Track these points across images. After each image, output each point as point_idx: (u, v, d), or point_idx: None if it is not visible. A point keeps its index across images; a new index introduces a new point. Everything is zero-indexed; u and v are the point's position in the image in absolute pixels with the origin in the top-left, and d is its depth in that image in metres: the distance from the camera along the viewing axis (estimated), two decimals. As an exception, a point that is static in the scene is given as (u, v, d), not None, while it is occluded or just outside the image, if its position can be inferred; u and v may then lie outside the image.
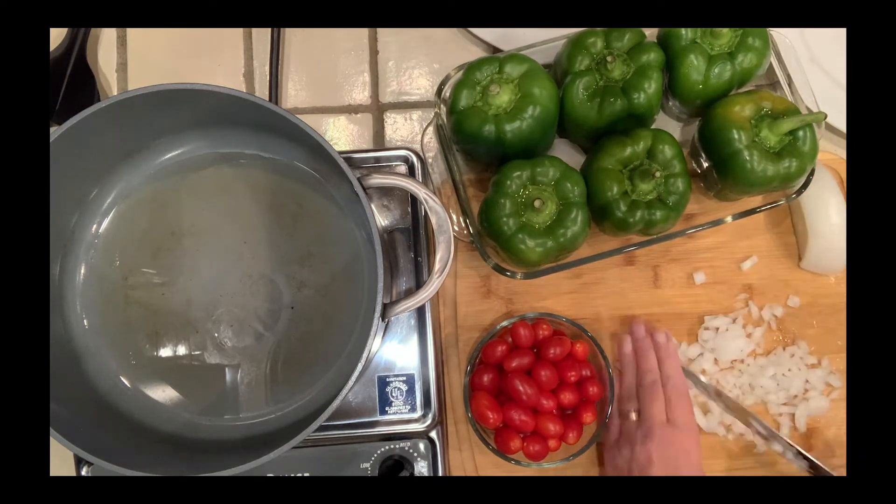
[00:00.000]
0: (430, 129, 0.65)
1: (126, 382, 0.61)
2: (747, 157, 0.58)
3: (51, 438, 0.49)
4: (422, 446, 0.63)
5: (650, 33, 0.62)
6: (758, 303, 0.68)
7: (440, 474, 0.63)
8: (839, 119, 0.69)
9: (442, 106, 0.62)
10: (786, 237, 0.70)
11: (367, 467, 0.63)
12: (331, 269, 0.61)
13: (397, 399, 0.64)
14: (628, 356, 0.63)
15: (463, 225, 0.63)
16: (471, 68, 0.60)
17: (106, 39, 0.73)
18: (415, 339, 0.65)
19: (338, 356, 0.60)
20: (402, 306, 0.53)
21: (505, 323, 0.65)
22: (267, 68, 0.72)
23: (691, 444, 0.56)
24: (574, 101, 0.60)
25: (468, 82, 0.59)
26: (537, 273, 0.62)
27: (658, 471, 0.55)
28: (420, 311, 0.65)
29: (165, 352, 0.61)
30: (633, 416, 0.60)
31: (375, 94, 0.73)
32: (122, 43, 0.73)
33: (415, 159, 0.67)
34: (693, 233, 0.63)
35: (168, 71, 0.73)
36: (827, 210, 0.66)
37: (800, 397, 0.67)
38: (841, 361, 0.68)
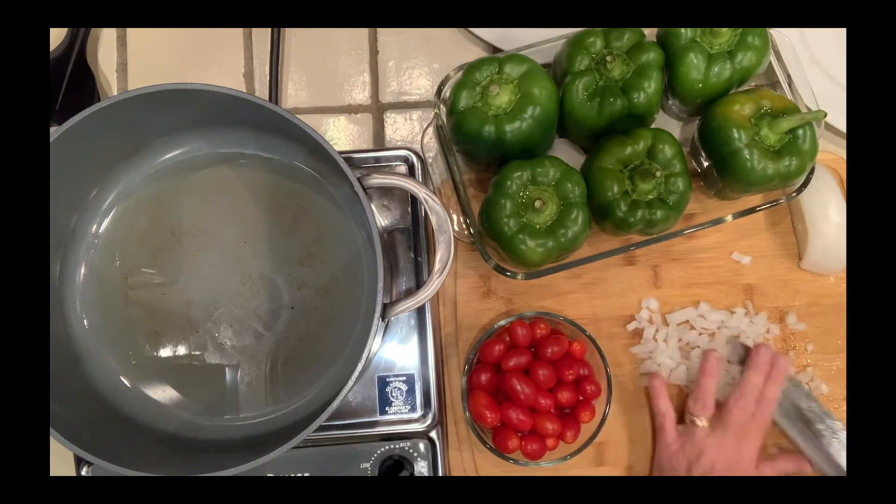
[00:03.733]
0: (430, 129, 0.65)
1: (126, 382, 0.61)
2: (747, 156, 0.58)
3: (51, 438, 0.49)
4: (422, 446, 0.63)
5: (650, 33, 0.62)
6: (757, 303, 0.68)
7: (440, 474, 0.63)
8: (839, 119, 0.68)
9: (442, 106, 0.62)
10: (786, 237, 0.70)
11: (367, 467, 0.63)
12: (331, 269, 0.61)
13: (397, 399, 0.64)
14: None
15: (463, 225, 0.63)
16: (471, 69, 0.60)
17: (106, 39, 0.73)
18: (415, 339, 0.65)
19: (338, 356, 0.60)
20: (402, 306, 0.53)
21: (502, 322, 0.65)
22: (267, 68, 0.72)
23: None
24: (574, 101, 0.60)
25: (468, 83, 0.59)
26: (538, 273, 0.62)
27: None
28: (420, 311, 0.65)
29: (165, 352, 0.61)
30: (701, 422, 0.63)
31: (375, 94, 0.73)
32: (122, 43, 0.73)
33: (415, 159, 0.67)
34: (693, 232, 0.63)
35: (168, 71, 0.73)
36: (827, 210, 0.66)
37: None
38: (841, 361, 0.68)
